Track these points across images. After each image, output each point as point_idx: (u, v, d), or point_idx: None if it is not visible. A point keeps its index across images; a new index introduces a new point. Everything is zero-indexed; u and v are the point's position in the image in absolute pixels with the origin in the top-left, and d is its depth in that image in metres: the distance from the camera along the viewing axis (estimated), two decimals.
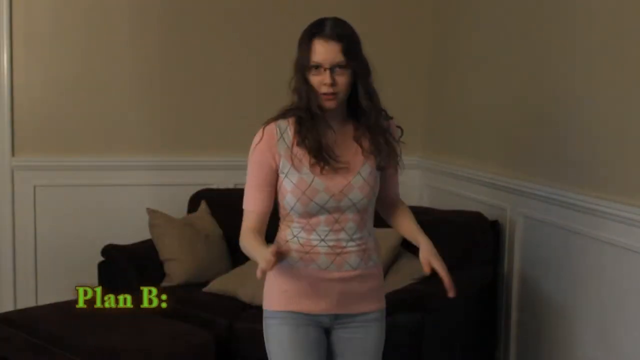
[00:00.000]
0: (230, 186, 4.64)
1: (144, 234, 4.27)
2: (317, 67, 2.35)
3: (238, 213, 4.74)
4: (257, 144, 2.45)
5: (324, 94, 2.36)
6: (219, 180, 4.68)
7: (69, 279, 4.43)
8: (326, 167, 2.39)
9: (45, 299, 4.22)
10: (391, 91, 4.79)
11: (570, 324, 3.56)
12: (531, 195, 3.80)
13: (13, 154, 4.43)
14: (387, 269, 3.81)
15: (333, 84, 2.34)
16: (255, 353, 2.96)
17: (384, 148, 2.45)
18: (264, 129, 2.45)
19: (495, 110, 4.20)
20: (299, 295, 2.45)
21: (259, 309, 2.63)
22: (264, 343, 2.52)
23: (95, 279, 4.19)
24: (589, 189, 3.40)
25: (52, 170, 4.50)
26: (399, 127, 2.54)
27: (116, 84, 4.54)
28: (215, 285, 4.01)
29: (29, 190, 4.46)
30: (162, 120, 4.62)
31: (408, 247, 3.92)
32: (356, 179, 2.43)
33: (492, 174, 4.17)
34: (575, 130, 3.52)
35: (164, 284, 4.12)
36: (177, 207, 4.48)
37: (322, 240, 2.43)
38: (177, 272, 4.12)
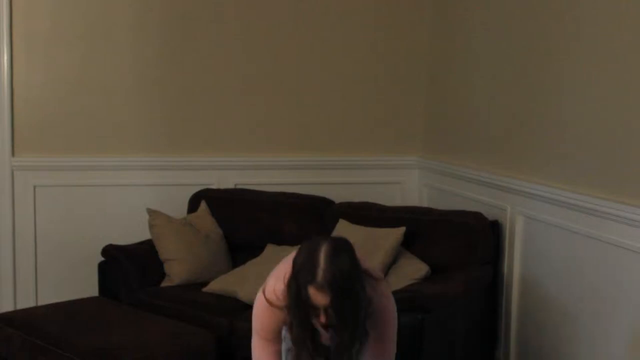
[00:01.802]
0: (230, 186, 4.64)
1: (144, 234, 4.27)
2: (315, 307, 2.41)
3: (238, 213, 4.73)
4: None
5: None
6: (219, 180, 4.67)
7: (69, 279, 4.44)
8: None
9: (45, 299, 4.22)
10: (391, 92, 4.88)
11: (570, 323, 3.56)
12: (531, 195, 3.80)
13: (13, 154, 4.43)
14: (387, 269, 3.81)
15: (330, 324, 2.42)
16: None
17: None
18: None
19: (495, 110, 4.20)
20: None
21: None
22: None
23: (95, 279, 4.19)
24: (589, 189, 3.40)
25: (52, 170, 4.49)
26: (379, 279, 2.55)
27: (116, 84, 4.54)
28: (215, 285, 4.01)
29: (29, 190, 4.46)
30: (162, 120, 4.62)
31: (408, 247, 3.92)
32: None
33: (492, 174, 4.17)
34: (576, 130, 3.52)
35: (164, 284, 4.12)
36: (177, 207, 4.48)
37: None
38: (177, 272, 4.12)
